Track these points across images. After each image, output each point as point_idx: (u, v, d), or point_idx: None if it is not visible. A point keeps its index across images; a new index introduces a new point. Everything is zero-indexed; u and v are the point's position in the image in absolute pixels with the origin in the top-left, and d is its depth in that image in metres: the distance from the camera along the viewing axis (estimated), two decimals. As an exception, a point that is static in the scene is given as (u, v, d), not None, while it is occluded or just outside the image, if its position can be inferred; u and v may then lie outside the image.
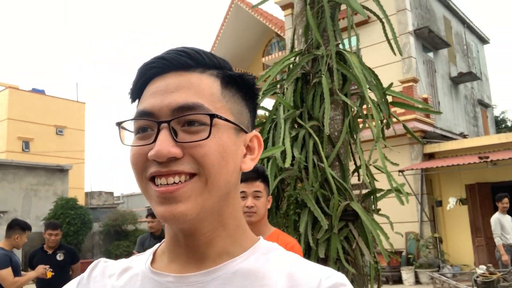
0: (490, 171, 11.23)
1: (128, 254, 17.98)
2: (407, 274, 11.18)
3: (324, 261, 4.32)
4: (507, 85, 55.70)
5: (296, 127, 4.56)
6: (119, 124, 0.69)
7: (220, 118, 0.66)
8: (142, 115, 0.67)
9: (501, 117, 26.03)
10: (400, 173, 10.56)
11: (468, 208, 11.84)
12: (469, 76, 15.74)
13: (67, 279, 4.76)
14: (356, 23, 4.84)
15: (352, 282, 4.33)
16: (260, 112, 6.22)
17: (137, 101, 0.73)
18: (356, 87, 4.84)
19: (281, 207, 4.62)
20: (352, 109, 4.66)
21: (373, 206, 4.65)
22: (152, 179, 0.65)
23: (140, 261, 0.75)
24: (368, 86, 4.37)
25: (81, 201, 21.80)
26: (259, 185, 2.47)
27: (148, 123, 0.66)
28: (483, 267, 7.36)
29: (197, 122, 0.65)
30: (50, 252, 4.88)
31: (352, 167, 4.79)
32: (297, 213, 4.34)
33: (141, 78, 0.71)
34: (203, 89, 0.67)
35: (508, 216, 7.55)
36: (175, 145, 0.63)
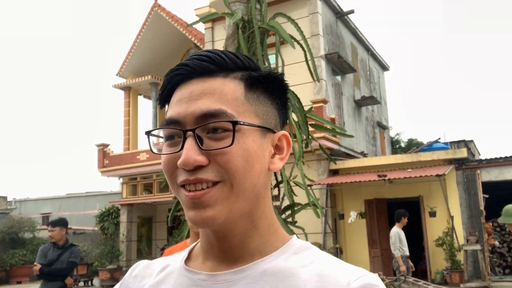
0: (387, 188, 12.38)
1: (24, 264, 16.83)
2: (310, 283, 11.85)
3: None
4: (401, 109, 60.88)
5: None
6: (148, 133, 0.74)
7: (243, 124, 0.67)
8: (169, 123, 0.69)
9: (395, 138, 28.48)
10: (309, 187, 11.26)
11: (366, 221, 12.90)
12: (371, 100, 17.18)
13: None
14: (269, 44, 5.24)
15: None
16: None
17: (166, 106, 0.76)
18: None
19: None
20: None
21: (291, 218, 5.05)
22: (183, 184, 0.68)
23: (177, 259, 0.78)
24: (291, 109, 4.77)
25: (-29, 206, 19.99)
26: None
27: (175, 131, 0.68)
28: (377, 275, 8.16)
29: (220, 128, 0.66)
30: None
31: (273, 181, 5.17)
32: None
33: (168, 85, 0.73)
34: (226, 94, 0.68)
35: (402, 231, 8.40)
36: (201, 153, 0.65)
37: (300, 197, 5.33)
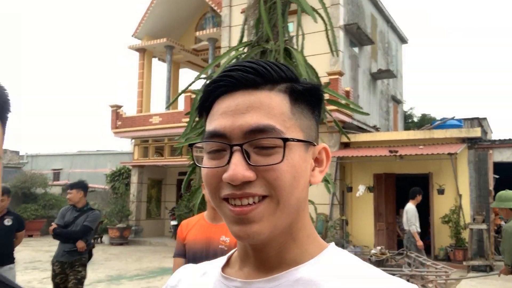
0: (397, 164, 12.38)
1: (36, 218, 17.30)
2: (315, 252, 12.08)
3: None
4: (416, 83, 60.05)
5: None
6: (191, 146, 0.76)
7: (292, 140, 0.67)
8: (214, 136, 0.68)
9: (409, 112, 28.24)
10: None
11: (374, 195, 12.98)
12: (387, 73, 16.95)
13: (11, 244, 4.74)
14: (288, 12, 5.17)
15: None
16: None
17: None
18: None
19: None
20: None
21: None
22: (226, 198, 0.67)
23: (216, 265, 0.80)
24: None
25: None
26: None
27: (221, 145, 0.67)
28: (379, 248, 8.30)
29: (269, 144, 0.66)
30: None
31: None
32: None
33: (210, 96, 0.71)
34: (273, 108, 0.67)
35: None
36: (249, 168, 0.65)
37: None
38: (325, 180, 4.79)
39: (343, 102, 6.27)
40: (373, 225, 12.98)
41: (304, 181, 0.69)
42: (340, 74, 12.84)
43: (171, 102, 5.56)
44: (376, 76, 16.83)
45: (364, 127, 14.60)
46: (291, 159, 0.66)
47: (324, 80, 11.74)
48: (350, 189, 13.12)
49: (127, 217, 16.78)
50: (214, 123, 0.69)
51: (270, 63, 0.71)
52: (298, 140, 0.68)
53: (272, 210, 0.66)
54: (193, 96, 14.03)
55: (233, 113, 0.67)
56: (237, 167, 0.64)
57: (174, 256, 2.96)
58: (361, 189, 12.55)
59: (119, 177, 17.81)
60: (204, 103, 0.73)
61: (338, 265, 0.70)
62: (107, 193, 18.92)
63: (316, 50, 11.95)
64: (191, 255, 2.81)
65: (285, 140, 0.65)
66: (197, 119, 5.19)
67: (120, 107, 17.52)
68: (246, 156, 0.65)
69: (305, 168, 0.69)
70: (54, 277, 5.06)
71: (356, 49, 15.13)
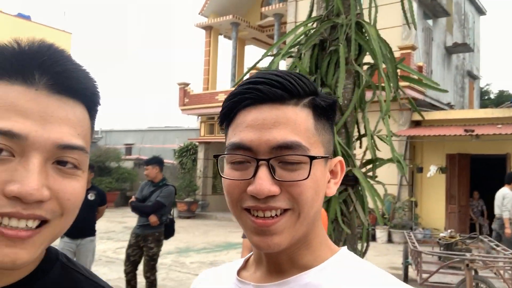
0: (471, 143, 11.68)
1: (110, 190, 18.27)
2: (381, 233, 11.81)
3: (322, 221, 4.63)
4: (495, 57, 56.11)
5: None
6: (216, 157, 0.75)
7: (317, 158, 0.68)
8: (240, 148, 0.69)
9: (485, 88, 26.52)
10: (386, 136, 10.91)
11: (446, 176, 12.38)
12: (463, 47, 15.92)
13: (93, 218, 5.06)
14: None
15: (345, 241, 4.68)
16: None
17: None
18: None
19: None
20: (363, 80, 4.82)
21: (371, 173, 4.92)
22: (247, 209, 0.69)
23: (234, 268, 0.83)
24: (382, 59, 4.51)
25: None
26: None
27: (246, 158, 0.68)
28: (448, 231, 7.96)
29: (294, 160, 0.67)
30: None
31: (356, 135, 5.02)
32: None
33: (235, 108, 0.72)
34: (299, 125, 0.68)
35: None
36: (274, 183, 0.66)
37: (383, 151, 5.15)
38: (398, 162, 4.58)
39: (416, 77, 5.94)
40: (444, 207, 12.43)
41: (322, 193, 0.72)
42: (413, 48, 12.20)
43: (238, 81, 5.52)
44: (451, 50, 15.85)
45: (437, 104, 13.87)
46: (314, 175, 0.68)
47: (395, 55, 11.23)
48: (420, 170, 12.60)
49: (194, 192, 17.28)
50: (240, 135, 0.70)
51: (294, 76, 0.72)
52: (322, 157, 0.70)
53: (293, 222, 0.68)
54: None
55: (260, 127, 0.68)
56: (264, 182, 0.66)
57: (243, 237, 2.94)
58: (432, 170, 11.99)
59: (187, 153, 18.32)
60: (228, 114, 0.73)
61: (347, 269, 0.72)
62: (175, 168, 19.56)
63: (387, 23, 11.43)
64: None
65: (312, 158, 0.68)
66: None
67: (187, 84, 17.88)
68: (272, 170, 0.67)
69: (324, 181, 0.72)
70: (128, 248, 5.30)
71: (430, 22, 14.29)
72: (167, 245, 10.02)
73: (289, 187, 0.67)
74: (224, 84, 21.61)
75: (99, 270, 6.99)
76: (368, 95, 5.00)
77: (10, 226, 0.55)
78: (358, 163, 4.76)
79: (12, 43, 0.61)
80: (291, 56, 4.98)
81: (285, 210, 0.68)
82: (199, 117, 18.36)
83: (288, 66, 4.82)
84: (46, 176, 0.57)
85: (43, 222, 0.58)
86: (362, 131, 5.16)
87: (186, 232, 12.51)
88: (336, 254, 0.74)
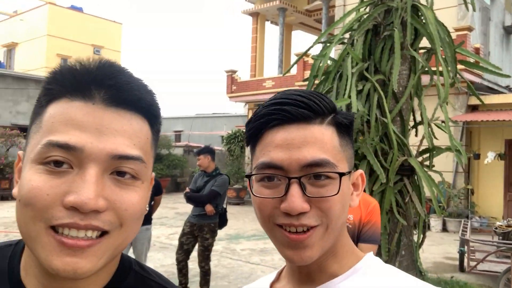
0: (534, 128, 11.05)
1: (161, 177, 18.75)
2: (435, 222, 11.45)
3: (377, 211, 4.53)
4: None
5: (362, 80, 4.58)
6: (248, 176, 0.77)
7: (346, 174, 0.72)
8: (270, 167, 0.72)
9: (548, 69, 24.94)
10: (442, 123, 10.50)
11: (505, 163, 11.81)
12: (524, 26, 15.00)
13: (149, 207, 5.14)
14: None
15: (400, 232, 4.56)
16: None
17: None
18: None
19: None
20: (420, 65, 4.64)
21: (428, 162, 4.76)
22: (279, 225, 0.73)
23: (268, 281, 0.88)
24: (440, 44, 4.31)
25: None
26: None
27: (277, 176, 0.72)
28: (506, 220, 7.63)
29: (323, 176, 0.71)
30: None
31: (411, 123, 4.85)
32: (354, 164, 4.49)
33: (262, 128, 0.74)
34: (326, 143, 0.72)
35: None
36: (305, 200, 0.70)
37: (439, 138, 4.95)
38: (457, 151, 4.39)
39: (473, 60, 5.66)
40: (503, 195, 11.88)
41: (347, 206, 0.76)
42: (469, 29, 11.62)
43: (288, 69, 5.45)
44: (510, 30, 14.97)
45: (495, 87, 13.18)
46: (341, 190, 0.72)
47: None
48: (477, 156, 12.06)
49: (243, 179, 17.42)
50: (269, 154, 0.72)
51: (317, 96, 0.75)
52: (348, 173, 0.74)
53: (322, 235, 0.72)
54: (310, 61, 13.81)
55: (289, 146, 0.71)
56: (296, 199, 0.69)
57: None
58: (490, 156, 11.45)
59: (235, 140, 18.45)
60: (255, 134, 0.76)
61: (371, 275, 0.75)
62: (224, 154, 19.77)
63: (441, 3, 10.93)
64: None
65: (341, 174, 0.71)
66: (314, 86, 5.04)
67: (235, 72, 17.93)
68: (303, 187, 0.70)
69: (349, 195, 0.77)
70: (181, 236, 5.32)
71: (487, 0, 13.53)
72: (218, 232, 10.20)
73: (318, 202, 0.71)
74: (272, 71, 21.52)
75: (153, 256, 7.20)
76: (424, 80, 4.80)
77: (70, 236, 0.57)
78: (414, 152, 4.61)
79: (74, 63, 0.64)
80: (343, 43, 4.86)
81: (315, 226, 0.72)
82: (247, 104, 18.41)
83: (339, 53, 4.70)
84: (103, 187, 0.59)
85: (104, 233, 0.59)
86: (418, 119, 4.98)
87: (235, 219, 12.66)
88: (361, 261, 0.77)
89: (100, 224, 0.58)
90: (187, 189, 5.37)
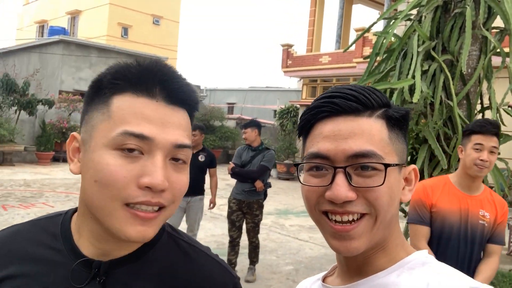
0: None
1: (213, 148, 19.07)
2: (493, 210, 11.00)
3: (434, 197, 4.38)
4: None
5: (427, 59, 4.37)
6: (297, 165, 0.81)
7: (392, 165, 0.73)
8: (318, 157, 0.75)
9: None
10: (510, 108, 9.93)
11: None
12: None
13: (202, 178, 5.24)
14: None
15: (458, 220, 4.39)
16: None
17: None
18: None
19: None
20: (491, 46, 4.35)
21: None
22: (325, 212, 0.75)
23: (323, 273, 0.91)
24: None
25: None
26: (496, 141, 2.40)
27: (323, 165, 0.75)
28: None
29: (370, 167, 0.72)
30: (193, 152, 5.39)
31: (478, 107, 4.60)
32: (414, 148, 4.33)
33: (312, 120, 0.78)
34: (373, 135, 0.73)
35: None
36: (350, 189, 0.72)
37: (508, 125, 4.67)
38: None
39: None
40: None
41: (397, 199, 0.76)
42: (547, 7, 10.77)
43: (348, 46, 5.28)
44: None
45: None
46: (388, 181, 0.72)
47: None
48: (544, 144, 11.37)
49: (294, 154, 17.39)
50: (317, 145, 0.75)
51: (368, 90, 0.76)
52: (396, 165, 0.74)
53: (370, 227, 0.73)
54: (370, 36, 13.38)
55: (336, 137, 0.74)
56: (341, 188, 0.71)
57: (413, 222, 2.57)
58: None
59: (287, 115, 18.37)
60: (306, 125, 0.79)
61: (417, 272, 0.73)
62: (276, 129, 19.78)
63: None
64: (445, 225, 2.48)
65: (387, 165, 0.72)
66: (376, 64, 4.86)
67: (291, 46, 17.70)
68: (348, 177, 0.72)
69: (399, 188, 0.77)
70: (230, 214, 5.21)
71: None
72: (267, 206, 10.29)
73: (365, 192, 0.72)
74: (329, 46, 21.06)
75: (205, 225, 7.39)
76: (495, 62, 4.51)
77: (142, 209, 0.70)
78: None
79: (134, 62, 0.75)
80: (409, 19, 4.62)
81: (362, 215, 0.72)
82: (301, 79, 18.19)
83: (404, 30, 4.49)
84: (167, 170, 0.71)
85: (161, 208, 0.72)
86: (486, 103, 4.72)
87: (285, 194, 12.71)
88: (410, 256, 0.77)
89: (163, 201, 0.71)
90: (232, 164, 5.19)
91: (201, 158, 5.24)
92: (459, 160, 2.64)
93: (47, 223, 0.84)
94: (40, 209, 8.09)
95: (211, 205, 5.60)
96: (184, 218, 5.39)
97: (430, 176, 4.21)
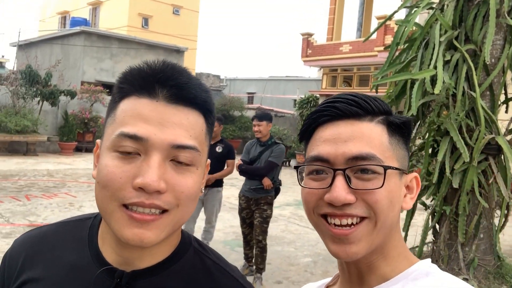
0: None
1: (233, 138, 19.11)
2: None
3: (455, 191, 4.29)
4: None
5: (450, 49, 4.25)
6: (297, 168, 0.81)
7: (391, 168, 0.73)
8: (318, 160, 0.75)
9: None
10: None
11: None
12: None
13: (221, 169, 5.15)
14: None
15: (480, 215, 4.30)
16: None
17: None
18: None
19: (418, 131, 4.54)
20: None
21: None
22: (324, 216, 0.74)
23: (325, 282, 0.90)
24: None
25: (193, 83, 22.80)
26: None
27: (324, 169, 0.74)
28: None
29: (370, 170, 0.72)
30: (211, 143, 5.27)
31: (501, 98, 4.47)
32: (435, 140, 4.25)
33: (313, 124, 0.78)
34: (373, 139, 0.73)
35: None
36: (350, 191, 0.71)
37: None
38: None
39: None
40: None
41: (398, 205, 0.75)
42: None
43: (369, 35, 5.18)
44: None
45: None
46: (388, 185, 0.72)
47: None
48: None
49: (313, 144, 17.28)
50: (317, 148, 0.76)
51: (370, 97, 0.77)
52: (396, 169, 0.74)
53: (370, 231, 0.72)
54: (392, 24, 13.14)
55: (336, 140, 0.74)
56: (340, 190, 0.70)
57: None
58: None
59: (307, 104, 18.25)
60: (307, 130, 0.80)
61: (421, 282, 0.72)
62: (295, 119, 19.68)
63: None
64: None
65: (386, 168, 0.72)
66: (397, 53, 4.77)
67: (311, 35, 17.51)
68: (348, 180, 0.71)
69: (399, 194, 0.75)
70: (240, 211, 5.01)
71: None
72: (286, 196, 10.27)
73: (364, 195, 0.71)
74: (350, 35, 20.76)
75: (223, 216, 7.42)
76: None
77: (138, 211, 0.68)
78: (502, 130, 4.27)
79: (142, 64, 0.74)
80: (431, 8, 4.51)
81: (362, 219, 0.72)
82: (321, 69, 18.01)
83: (427, 19, 4.38)
84: (164, 172, 0.68)
85: (164, 211, 0.69)
86: (511, 93, 4.59)
87: (304, 184, 12.66)
88: (414, 266, 0.75)
89: (161, 203, 0.68)
90: (239, 161, 4.88)
91: (219, 149, 5.22)
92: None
93: (76, 226, 0.85)
94: (63, 199, 8.23)
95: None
96: (203, 210, 5.41)
97: (452, 169, 4.13)
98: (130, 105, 0.71)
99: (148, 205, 0.67)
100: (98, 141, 0.79)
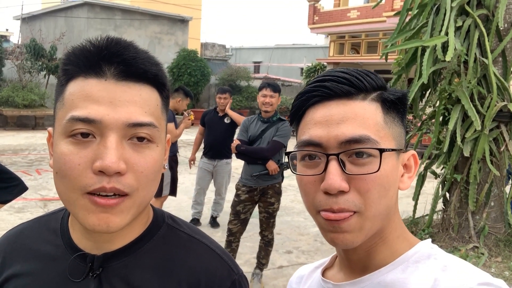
0: None
1: (240, 108, 19.04)
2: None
3: (466, 160, 4.26)
4: None
5: (461, 15, 4.14)
6: (288, 154, 0.76)
7: (388, 150, 0.69)
8: (309, 145, 0.71)
9: None
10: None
11: None
12: None
13: (229, 141, 4.81)
14: None
15: (491, 183, 4.28)
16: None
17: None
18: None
19: (429, 99, 4.48)
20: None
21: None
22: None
23: (321, 265, 0.88)
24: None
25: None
26: None
27: (317, 154, 0.70)
28: None
29: (365, 153, 0.68)
30: (220, 114, 5.30)
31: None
32: (446, 108, 4.19)
33: (303, 106, 0.74)
34: (367, 119, 0.69)
35: None
36: (344, 178, 0.67)
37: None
38: None
39: None
40: None
41: (394, 189, 0.71)
42: None
43: (379, 2, 5.05)
44: None
45: None
46: (384, 169, 0.68)
47: None
48: None
49: (321, 114, 17.20)
50: (309, 132, 0.71)
51: (361, 72, 0.72)
52: (392, 150, 0.70)
53: (362, 223, 0.68)
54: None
55: (328, 123, 0.69)
56: (334, 176, 0.67)
57: None
58: None
59: (315, 73, 18.06)
60: (297, 112, 0.75)
61: (423, 265, 0.70)
62: (303, 87, 19.48)
63: None
64: None
65: (382, 150, 0.68)
66: (407, 20, 4.65)
67: (318, 1, 17.15)
68: (342, 165, 0.68)
69: (396, 175, 0.72)
70: (237, 203, 3.92)
71: None
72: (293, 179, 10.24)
73: (357, 183, 0.67)
74: (357, 0, 20.37)
75: (233, 187, 7.45)
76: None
77: (101, 195, 0.66)
78: (515, 97, 4.19)
79: (85, 43, 0.71)
80: (442, -28, 4.36)
81: (353, 213, 0.69)
82: (328, 36, 17.73)
83: (438, -17, 4.24)
84: (123, 152, 0.67)
85: (126, 195, 0.68)
86: (524, 60, 4.48)
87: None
88: (413, 248, 0.73)
89: (121, 187, 0.66)
90: (237, 141, 3.93)
91: (227, 120, 5.20)
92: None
93: (49, 219, 0.86)
94: (73, 172, 8.31)
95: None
96: (212, 182, 5.43)
97: (463, 138, 4.09)
98: (78, 87, 0.69)
99: (109, 189, 0.66)
100: (49, 129, 0.77)
